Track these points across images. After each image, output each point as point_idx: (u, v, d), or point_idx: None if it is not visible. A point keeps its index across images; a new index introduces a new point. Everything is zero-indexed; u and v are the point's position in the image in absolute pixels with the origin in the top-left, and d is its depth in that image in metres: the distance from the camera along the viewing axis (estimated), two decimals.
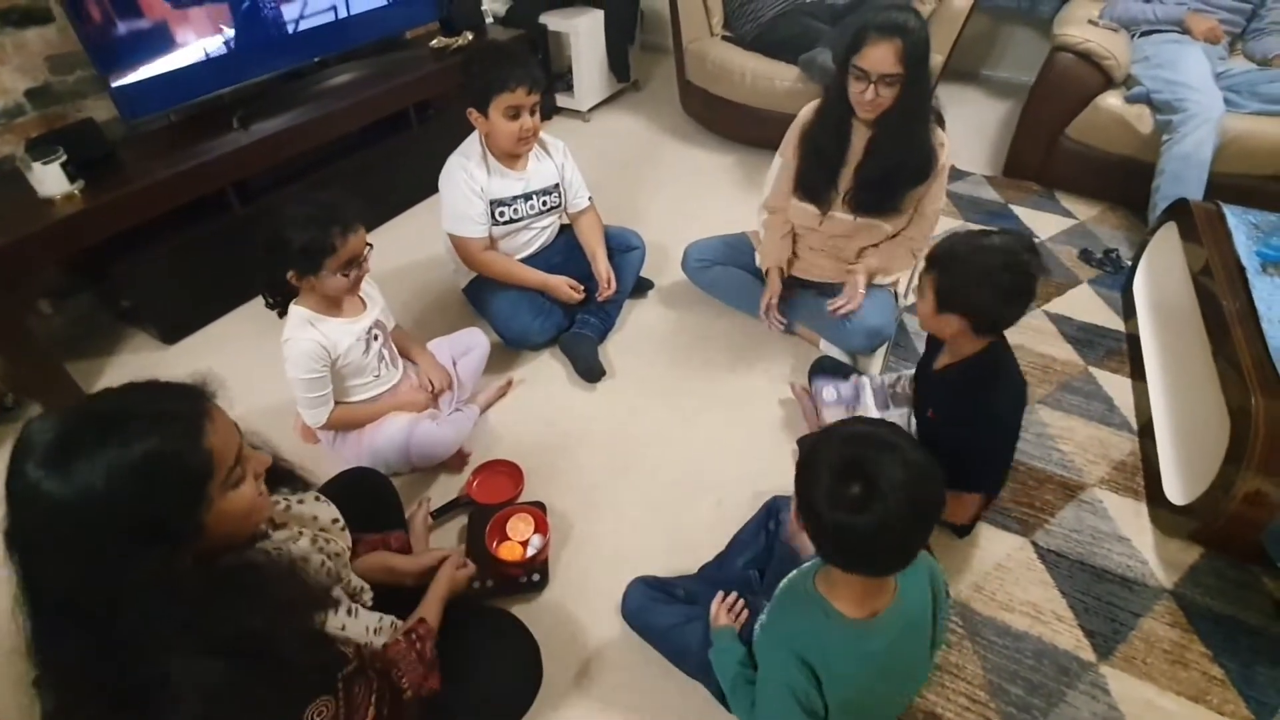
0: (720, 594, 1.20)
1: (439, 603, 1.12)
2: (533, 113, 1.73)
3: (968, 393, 1.24)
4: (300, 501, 0.99)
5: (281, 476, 0.95)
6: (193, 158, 1.95)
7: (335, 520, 1.01)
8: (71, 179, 1.75)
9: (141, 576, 0.64)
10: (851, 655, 0.87)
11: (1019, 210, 2.65)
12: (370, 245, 1.43)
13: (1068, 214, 2.64)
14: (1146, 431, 1.72)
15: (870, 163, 1.68)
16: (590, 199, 2.01)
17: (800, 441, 1.70)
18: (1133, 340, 2.01)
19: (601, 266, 1.93)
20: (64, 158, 1.73)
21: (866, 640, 0.87)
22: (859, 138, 1.69)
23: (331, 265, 1.34)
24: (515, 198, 1.85)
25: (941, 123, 1.71)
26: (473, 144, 1.83)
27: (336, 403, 1.50)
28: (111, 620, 0.64)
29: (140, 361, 2.02)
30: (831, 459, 0.80)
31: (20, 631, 0.68)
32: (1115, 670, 1.30)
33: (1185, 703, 1.25)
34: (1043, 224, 2.58)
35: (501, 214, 1.85)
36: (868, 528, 0.77)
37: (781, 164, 1.89)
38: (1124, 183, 2.52)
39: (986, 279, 1.13)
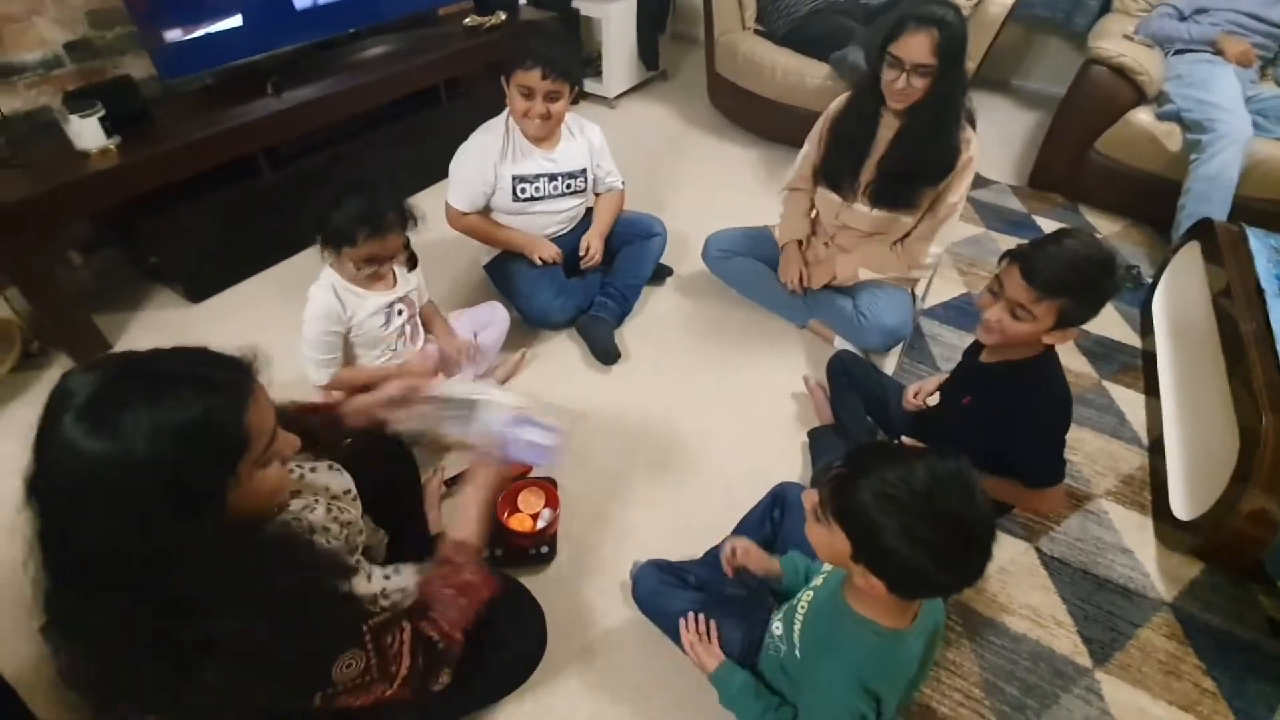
0: (684, 624, 1.17)
1: (482, 509, 1.00)
2: (548, 98, 1.71)
3: (1016, 391, 1.24)
4: (313, 470, 0.99)
5: (304, 438, 0.95)
6: (226, 120, 1.97)
7: (347, 491, 1.02)
8: (108, 134, 1.78)
9: (170, 539, 0.64)
10: (903, 664, 0.89)
11: (1042, 221, 2.64)
12: (408, 243, 1.47)
13: (1091, 228, 2.63)
14: (1156, 447, 1.73)
15: (895, 155, 1.70)
16: (622, 185, 2.04)
17: (812, 433, 1.72)
18: (1148, 357, 2.01)
19: (593, 236, 1.96)
20: (102, 112, 1.76)
21: (911, 645, 0.89)
22: (887, 129, 1.71)
23: (350, 254, 1.38)
24: (539, 175, 1.86)
25: (973, 123, 1.72)
26: (499, 118, 1.84)
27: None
28: (145, 579, 0.64)
29: (165, 318, 2.05)
30: (918, 502, 0.75)
31: (32, 583, 0.67)
32: (1110, 677, 1.32)
33: (1177, 712, 1.27)
34: None
35: (522, 190, 1.86)
36: (955, 576, 0.78)
37: (805, 151, 1.92)
38: (1149, 200, 2.51)
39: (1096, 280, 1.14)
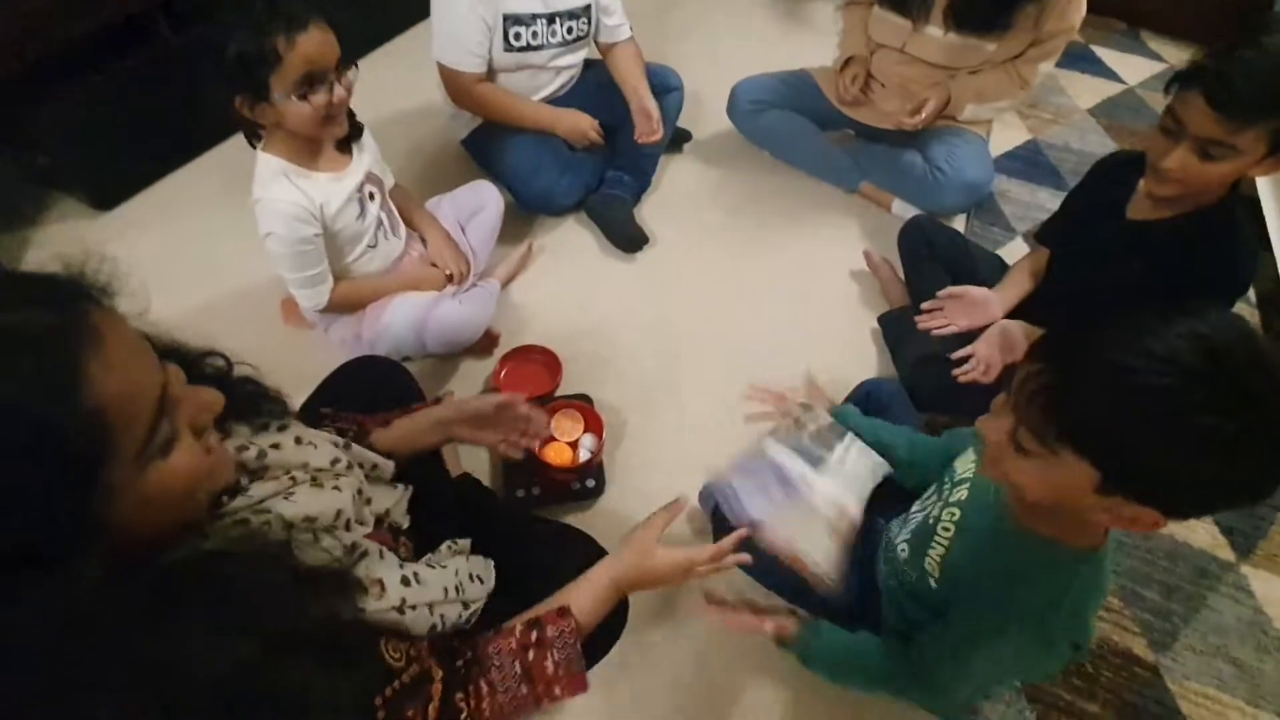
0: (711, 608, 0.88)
1: (604, 594, 0.75)
2: None
3: (1204, 249, 0.97)
4: (275, 447, 0.65)
5: (247, 406, 0.64)
6: None
7: (335, 460, 0.70)
8: None
9: (22, 629, 0.36)
10: (1101, 591, 0.69)
11: (1101, 52, 2.30)
12: (356, 66, 1.08)
13: (1156, 57, 2.30)
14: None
15: None
16: (631, 32, 1.60)
17: (883, 318, 1.45)
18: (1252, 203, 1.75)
19: (646, 101, 1.51)
20: None
21: (1106, 563, 0.69)
22: None
23: (279, 84, 0.99)
24: (535, 16, 1.45)
25: None
26: None
27: (335, 279, 1.20)
28: None
29: (70, 232, 1.65)
30: (1200, 382, 0.52)
31: None
32: (1257, 570, 1.16)
33: None
34: (1130, 68, 2.25)
35: (517, 35, 1.45)
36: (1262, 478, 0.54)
37: None
38: (1228, 20, 2.16)
39: None
